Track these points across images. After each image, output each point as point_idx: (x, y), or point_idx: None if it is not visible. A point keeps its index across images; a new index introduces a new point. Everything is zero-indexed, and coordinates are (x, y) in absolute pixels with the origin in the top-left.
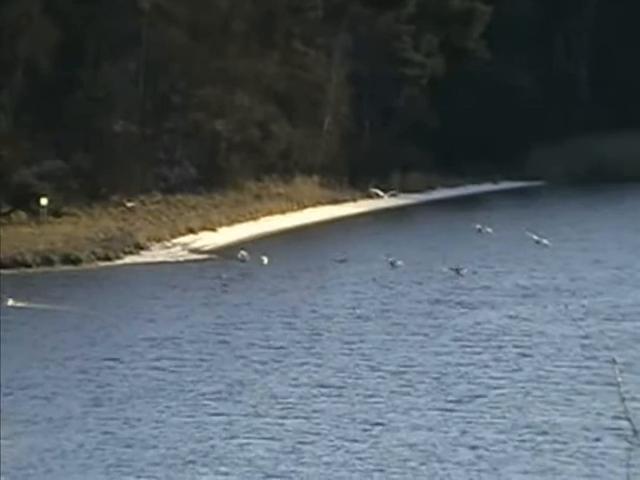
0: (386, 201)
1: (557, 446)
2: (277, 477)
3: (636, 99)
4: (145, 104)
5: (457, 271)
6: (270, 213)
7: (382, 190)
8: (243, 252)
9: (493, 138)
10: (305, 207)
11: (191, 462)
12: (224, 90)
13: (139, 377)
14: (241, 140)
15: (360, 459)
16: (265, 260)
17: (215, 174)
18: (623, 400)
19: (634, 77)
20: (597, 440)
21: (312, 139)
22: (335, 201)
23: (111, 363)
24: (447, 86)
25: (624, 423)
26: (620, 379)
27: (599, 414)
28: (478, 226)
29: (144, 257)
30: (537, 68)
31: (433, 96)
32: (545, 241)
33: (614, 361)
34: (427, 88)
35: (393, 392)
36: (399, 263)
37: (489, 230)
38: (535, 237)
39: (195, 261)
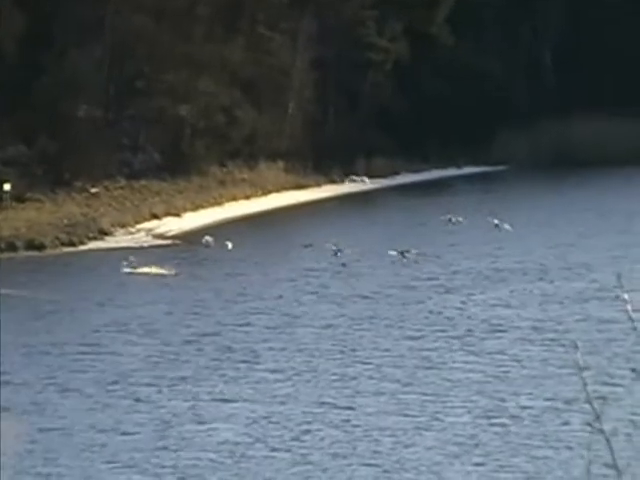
0: (350, 186)
1: (524, 430)
2: (247, 461)
3: (601, 83)
4: (109, 89)
5: (402, 254)
6: (234, 199)
7: (357, 175)
8: (208, 237)
9: (458, 123)
10: (269, 192)
11: (163, 447)
12: (189, 75)
13: (107, 362)
14: (205, 126)
15: (330, 443)
16: (229, 245)
17: (179, 160)
18: (585, 385)
19: (599, 61)
20: (561, 424)
21: (277, 124)
22: (299, 186)
23: (80, 348)
24: (412, 71)
25: (587, 407)
26: (582, 363)
27: (564, 398)
28: (449, 216)
29: (108, 243)
30: (502, 52)
31: (398, 81)
32: (506, 226)
33: (576, 345)
34: (392, 73)
35: (362, 376)
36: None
37: (460, 219)
38: (495, 221)
39: (159, 246)
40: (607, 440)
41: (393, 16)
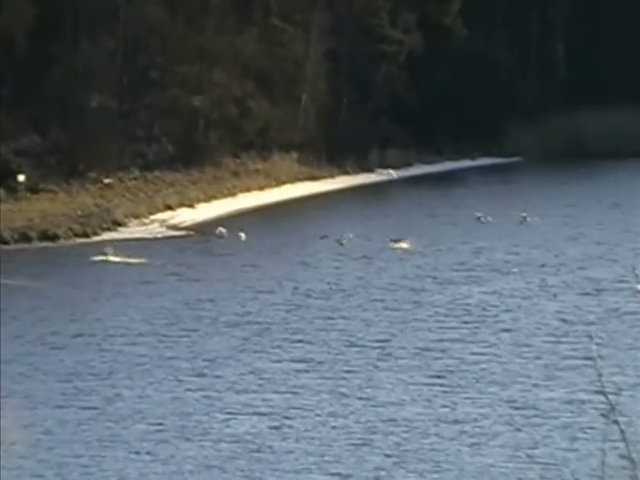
0: (363, 177)
1: (537, 420)
2: (260, 452)
3: (613, 76)
4: (123, 80)
5: (395, 241)
6: (248, 190)
7: (385, 168)
8: (221, 229)
9: (471, 115)
10: (283, 183)
11: (175, 437)
12: (202, 66)
13: (119, 353)
14: (219, 117)
15: (343, 434)
16: (243, 236)
17: (193, 151)
18: (600, 375)
19: (611, 54)
20: (577, 415)
21: (290, 116)
22: (313, 178)
23: (90, 339)
24: (425, 63)
25: (602, 399)
26: (596, 354)
27: (579, 389)
28: (478, 214)
29: (122, 234)
30: (515, 45)
31: (411, 73)
32: (529, 219)
33: (591, 337)
34: (405, 65)
35: (375, 367)
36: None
37: (489, 219)
38: (523, 214)
39: (173, 237)
40: (622, 431)
41: (406, 7)
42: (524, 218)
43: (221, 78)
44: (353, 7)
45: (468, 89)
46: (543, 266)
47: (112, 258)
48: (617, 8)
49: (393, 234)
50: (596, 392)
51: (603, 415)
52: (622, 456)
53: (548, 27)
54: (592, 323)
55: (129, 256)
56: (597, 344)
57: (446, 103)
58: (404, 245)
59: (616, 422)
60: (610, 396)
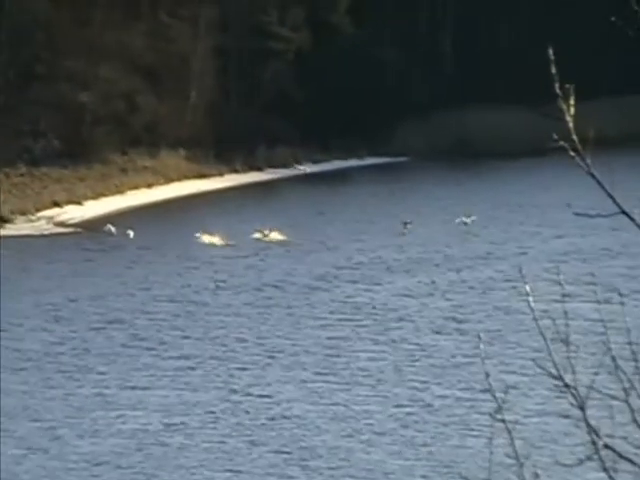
0: (251, 176)
1: (427, 417)
2: (152, 448)
3: (500, 74)
4: (8, 74)
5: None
6: (136, 187)
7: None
8: (110, 226)
9: (359, 113)
10: (172, 181)
11: (67, 434)
12: (89, 61)
13: (10, 349)
14: (106, 112)
15: (235, 431)
16: (131, 234)
17: (80, 147)
18: (487, 375)
19: (498, 51)
20: (471, 413)
21: (178, 112)
22: (202, 175)
23: None
24: (314, 60)
25: (490, 397)
26: (484, 354)
27: (467, 387)
28: (405, 220)
29: (8, 230)
30: (402, 42)
31: (300, 70)
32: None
33: (479, 337)
34: (294, 62)
35: (272, 365)
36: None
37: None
38: (404, 222)
39: (60, 234)
40: (509, 431)
41: (295, 4)
42: (405, 224)
43: (108, 73)
44: (241, 3)
45: (356, 87)
46: (431, 265)
47: None
48: (496, 7)
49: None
50: (483, 391)
51: (490, 414)
52: (508, 455)
53: (437, 24)
54: (479, 321)
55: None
56: (484, 343)
57: (334, 101)
58: (277, 236)
59: (503, 421)
60: (498, 394)
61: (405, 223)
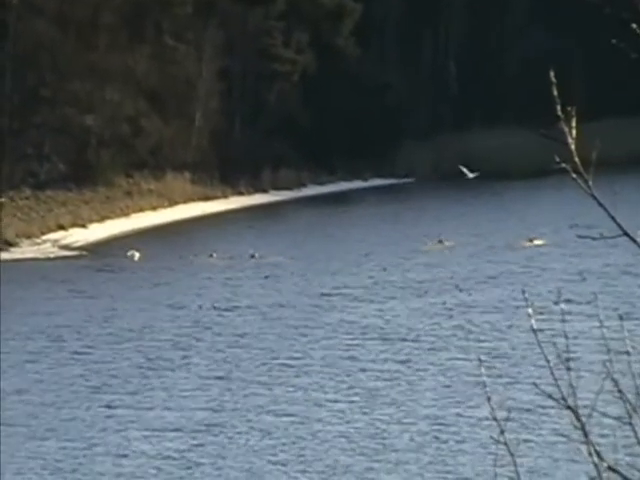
0: (256, 198)
1: (443, 436)
2: (187, 469)
3: (504, 96)
4: (13, 98)
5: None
6: (141, 210)
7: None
8: (134, 252)
9: (364, 135)
10: (176, 204)
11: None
12: (94, 84)
13: (15, 369)
14: (111, 135)
15: (256, 450)
16: (136, 255)
17: (85, 170)
18: (489, 399)
19: (501, 74)
20: (472, 434)
21: (183, 135)
22: (206, 198)
23: None
24: (318, 83)
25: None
26: (485, 378)
27: (473, 407)
28: (440, 237)
29: (13, 254)
30: (407, 65)
31: (304, 93)
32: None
33: (479, 360)
34: (298, 85)
35: (280, 384)
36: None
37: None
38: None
39: (65, 257)
40: (511, 454)
41: (299, 28)
42: (440, 241)
43: (113, 96)
44: (246, 26)
45: (360, 109)
46: (434, 286)
47: None
48: (500, 28)
49: (288, 251)
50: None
51: (492, 437)
52: (511, 478)
53: (441, 47)
54: (486, 341)
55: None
56: (485, 367)
57: (339, 123)
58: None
59: (505, 443)
60: (499, 418)
61: (440, 240)
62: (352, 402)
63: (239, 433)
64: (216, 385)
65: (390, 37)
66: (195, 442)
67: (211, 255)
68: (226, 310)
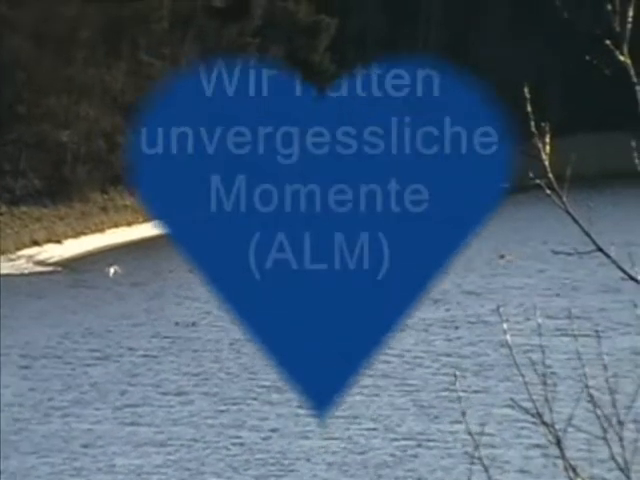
0: None
1: (420, 451)
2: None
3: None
4: None
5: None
6: (116, 225)
7: None
8: (113, 267)
9: None
10: (152, 219)
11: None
12: (70, 100)
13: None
14: (87, 151)
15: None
16: (111, 271)
17: (61, 185)
18: (464, 414)
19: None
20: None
21: None
22: None
23: None
24: None
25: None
26: (461, 394)
27: (449, 422)
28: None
29: None
30: None
31: None
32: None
33: (455, 375)
34: None
35: (267, 401)
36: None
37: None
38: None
39: (40, 273)
40: (486, 469)
41: (275, 43)
42: (502, 257)
43: (89, 112)
44: (222, 42)
45: None
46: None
47: None
48: (479, 43)
49: None
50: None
51: (466, 453)
52: None
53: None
54: (467, 357)
55: None
56: (461, 383)
57: None
58: None
59: (479, 458)
60: (474, 434)
61: (502, 256)
62: (332, 417)
63: (218, 448)
64: (197, 400)
65: (368, 51)
66: (174, 457)
67: (190, 271)
68: (204, 325)
